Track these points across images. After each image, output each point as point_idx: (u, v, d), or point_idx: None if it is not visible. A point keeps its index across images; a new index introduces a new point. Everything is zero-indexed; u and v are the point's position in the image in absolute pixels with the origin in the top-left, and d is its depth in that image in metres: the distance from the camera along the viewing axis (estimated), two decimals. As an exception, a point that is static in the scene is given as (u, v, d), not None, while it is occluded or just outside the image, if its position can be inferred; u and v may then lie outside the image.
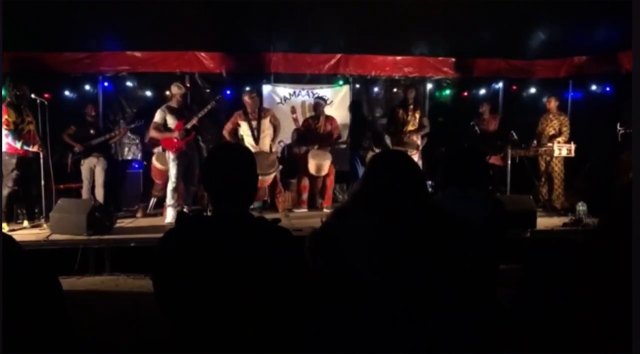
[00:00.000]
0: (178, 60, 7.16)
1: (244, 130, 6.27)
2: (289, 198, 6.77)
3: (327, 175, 6.70)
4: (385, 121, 7.54)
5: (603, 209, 1.24)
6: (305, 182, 6.70)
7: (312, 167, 6.52)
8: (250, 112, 6.21)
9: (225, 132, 6.37)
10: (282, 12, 6.86)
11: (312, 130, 6.81)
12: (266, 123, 6.24)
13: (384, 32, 7.17)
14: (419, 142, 6.94)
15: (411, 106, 6.96)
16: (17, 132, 5.53)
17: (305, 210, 6.64)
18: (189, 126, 5.68)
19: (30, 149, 5.55)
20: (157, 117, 5.68)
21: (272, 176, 6.14)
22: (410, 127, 6.91)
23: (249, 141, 6.19)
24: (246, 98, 6.22)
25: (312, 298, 1.49)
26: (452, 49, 7.61)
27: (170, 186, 5.73)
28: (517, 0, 6.75)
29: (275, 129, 6.35)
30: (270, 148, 6.29)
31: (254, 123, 6.21)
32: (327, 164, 6.55)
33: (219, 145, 5.72)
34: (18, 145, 5.46)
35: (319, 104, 6.89)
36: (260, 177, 5.90)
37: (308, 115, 7.30)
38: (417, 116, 6.98)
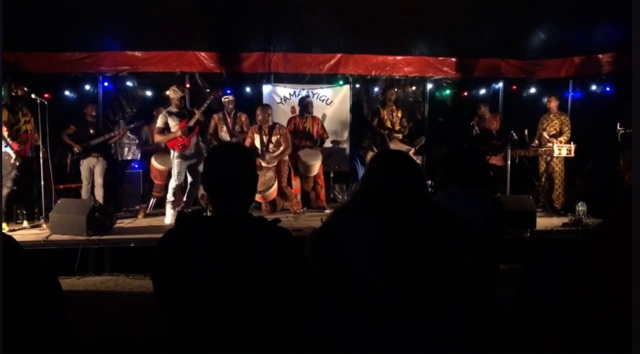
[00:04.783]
0: (178, 60, 7.15)
1: (256, 143, 6.17)
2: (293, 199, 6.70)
3: (317, 175, 6.67)
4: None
5: (604, 209, 1.24)
6: (297, 184, 6.66)
7: (301, 167, 6.51)
8: (263, 126, 6.11)
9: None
10: (282, 12, 6.88)
11: (300, 130, 6.74)
12: (275, 140, 6.15)
13: (384, 32, 7.18)
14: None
15: (393, 106, 7.05)
16: (15, 132, 5.51)
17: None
18: (191, 123, 5.69)
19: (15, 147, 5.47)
20: (160, 122, 5.70)
21: (272, 190, 6.06)
22: (397, 128, 7.01)
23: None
24: (257, 111, 6.15)
25: (312, 298, 1.49)
26: (452, 49, 7.62)
27: (172, 183, 5.74)
28: (517, 0, 6.77)
29: (284, 149, 6.20)
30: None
31: (265, 138, 6.14)
32: (317, 165, 6.51)
33: (219, 145, 5.75)
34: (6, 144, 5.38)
35: (310, 104, 6.83)
36: (259, 195, 5.85)
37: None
38: (399, 115, 7.07)
